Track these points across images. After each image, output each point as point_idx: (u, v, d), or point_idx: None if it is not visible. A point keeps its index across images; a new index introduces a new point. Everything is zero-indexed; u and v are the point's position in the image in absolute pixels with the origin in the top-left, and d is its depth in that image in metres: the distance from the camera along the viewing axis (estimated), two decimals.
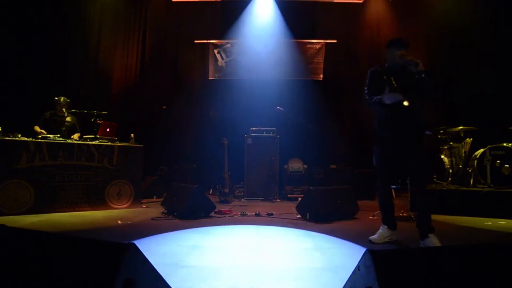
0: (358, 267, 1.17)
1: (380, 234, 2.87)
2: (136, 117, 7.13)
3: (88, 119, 5.11)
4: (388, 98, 2.62)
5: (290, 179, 6.32)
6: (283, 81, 7.63)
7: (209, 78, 7.95)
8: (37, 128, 4.78)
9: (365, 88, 2.88)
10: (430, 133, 2.74)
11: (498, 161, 4.60)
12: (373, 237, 2.86)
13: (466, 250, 1.17)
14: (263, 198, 5.99)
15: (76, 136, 4.96)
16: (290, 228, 3.50)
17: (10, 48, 5.92)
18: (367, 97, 2.82)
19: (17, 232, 1.36)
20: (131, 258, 1.10)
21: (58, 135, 4.64)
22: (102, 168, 4.62)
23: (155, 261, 2.18)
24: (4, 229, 1.32)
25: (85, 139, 4.67)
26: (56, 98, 5.05)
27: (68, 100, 5.13)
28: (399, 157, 2.73)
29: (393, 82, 2.70)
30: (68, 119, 5.12)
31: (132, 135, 5.15)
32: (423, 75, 2.57)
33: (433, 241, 2.52)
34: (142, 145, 5.11)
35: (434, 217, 4.16)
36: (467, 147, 5.16)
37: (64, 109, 5.08)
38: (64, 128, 5.02)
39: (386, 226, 2.88)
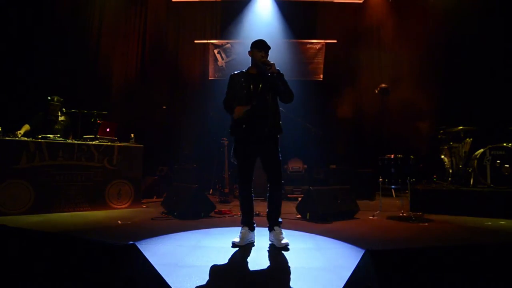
0: (358, 267, 1.17)
1: (243, 235, 2.72)
2: (136, 117, 7.14)
3: (88, 119, 5.09)
4: (235, 115, 2.71)
5: (290, 179, 6.32)
6: None
7: (209, 78, 7.96)
8: (25, 127, 4.57)
9: (227, 90, 2.90)
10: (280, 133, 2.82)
11: (498, 161, 4.60)
12: (235, 240, 2.69)
13: (466, 250, 1.17)
14: (263, 198, 5.94)
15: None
16: (290, 228, 3.50)
17: (10, 48, 5.92)
18: (224, 105, 2.85)
19: (17, 232, 1.36)
20: (131, 258, 1.10)
21: (58, 135, 4.63)
22: (102, 168, 4.62)
23: (155, 261, 2.18)
24: (4, 229, 1.32)
25: (85, 139, 4.66)
26: (49, 97, 4.89)
27: (62, 100, 4.98)
28: (256, 156, 2.79)
29: (250, 85, 2.78)
30: (62, 118, 5.02)
31: (132, 135, 5.15)
32: (275, 75, 2.71)
33: (277, 232, 2.67)
34: (142, 145, 5.11)
35: (435, 217, 4.20)
36: (467, 147, 5.17)
37: (57, 108, 4.94)
38: (60, 128, 4.93)
39: (247, 227, 2.76)
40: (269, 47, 2.84)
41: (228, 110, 2.81)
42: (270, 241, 2.75)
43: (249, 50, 2.89)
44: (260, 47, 2.82)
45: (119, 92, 7.38)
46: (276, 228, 2.71)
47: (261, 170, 2.79)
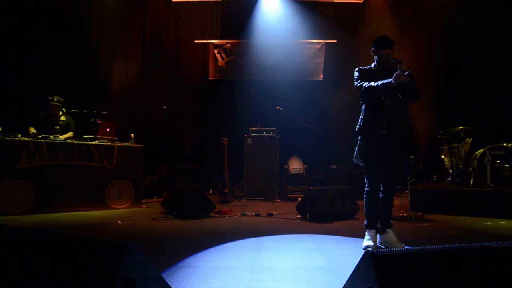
0: (358, 267, 1.17)
1: (372, 237, 2.65)
2: (136, 117, 7.13)
3: (88, 119, 5.10)
4: (397, 80, 2.38)
5: (290, 179, 6.32)
6: (283, 81, 7.63)
7: (209, 78, 7.95)
8: (31, 129, 4.56)
9: (357, 81, 2.68)
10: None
11: (498, 161, 4.60)
12: (368, 244, 2.61)
13: (466, 250, 1.17)
14: (263, 198, 5.99)
15: (68, 134, 4.91)
16: (290, 228, 3.50)
17: (10, 48, 5.92)
18: (365, 85, 2.57)
19: (17, 232, 1.36)
20: (131, 258, 1.10)
21: (57, 135, 4.63)
22: (102, 168, 4.62)
23: (155, 261, 2.18)
24: (4, 229, 1.32)
25: (85, 139, 4.67)
26: (49, 97, 4.88)
27: (62, 100, 4.96)
28: (387, 153, 2.60)
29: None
30: (62, 118, 5.01)
31: (132, 135, 5.15)
32: (406, 74, 2.49)
33: (391, 235, 2.64)
34: (142, 145, 5.11)
35: (434, 217, 4.20)
36: (467, 147, 5.16)
37: (58, 108, 4.93)
38: (58, 127, 4.92)
39: (374, 230, 2.69)
40: (393, 42, 2.61)
41: (378, 88, 2.49)
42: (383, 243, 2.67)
43: (372, 49, 2.73)
44: (384, 44, 2.61)
45: (119, 92, 7.38)
46: (388, 230, 2.66)
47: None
